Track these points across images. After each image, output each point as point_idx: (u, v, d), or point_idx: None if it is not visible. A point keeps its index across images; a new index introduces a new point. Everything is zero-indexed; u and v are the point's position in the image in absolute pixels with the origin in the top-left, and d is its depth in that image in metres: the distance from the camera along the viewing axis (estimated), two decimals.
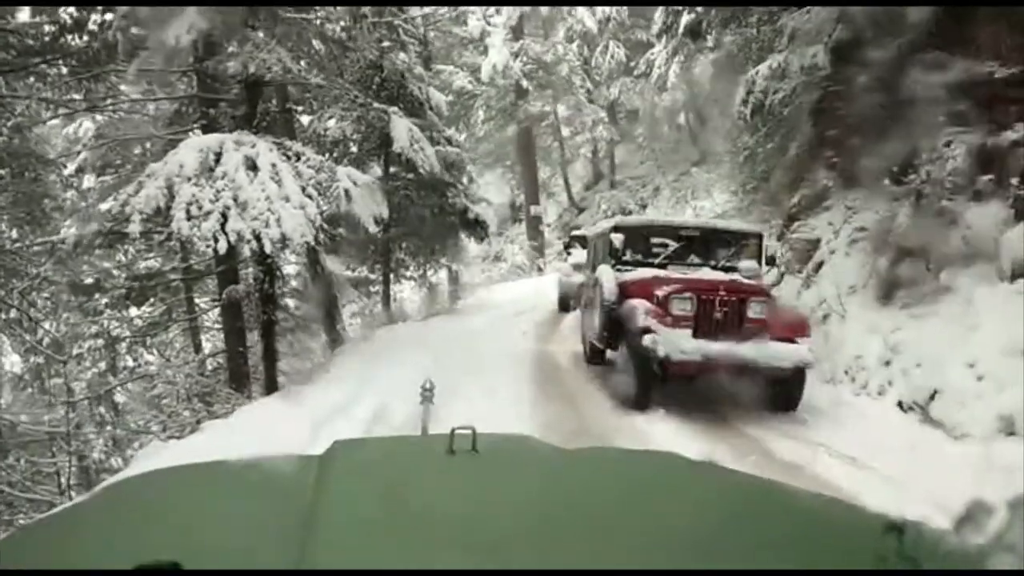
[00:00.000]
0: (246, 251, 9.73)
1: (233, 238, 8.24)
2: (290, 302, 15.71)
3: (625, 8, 27.92)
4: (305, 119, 15.44)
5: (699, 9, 14.91)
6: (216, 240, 8.15)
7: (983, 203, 6.81)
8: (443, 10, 23.45)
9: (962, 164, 6.92)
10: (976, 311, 6.24)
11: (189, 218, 8.26)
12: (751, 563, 1.01)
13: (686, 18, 16.28)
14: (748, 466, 4.72)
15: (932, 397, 6.14)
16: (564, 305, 15.76)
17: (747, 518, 1.26)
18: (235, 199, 8.34)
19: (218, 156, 8.80)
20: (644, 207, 27.38)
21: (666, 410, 6.90)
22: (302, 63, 11.87)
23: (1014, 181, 6.66)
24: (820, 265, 9.44)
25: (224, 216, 8.27)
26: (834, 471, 5.19)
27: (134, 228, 8.27)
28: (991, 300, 6.24)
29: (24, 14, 12.45)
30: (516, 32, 28.80)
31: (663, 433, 6.30)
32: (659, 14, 19.11)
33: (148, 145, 15.14)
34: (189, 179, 8.51)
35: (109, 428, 14.73)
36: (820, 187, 10.31)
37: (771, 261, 8.99)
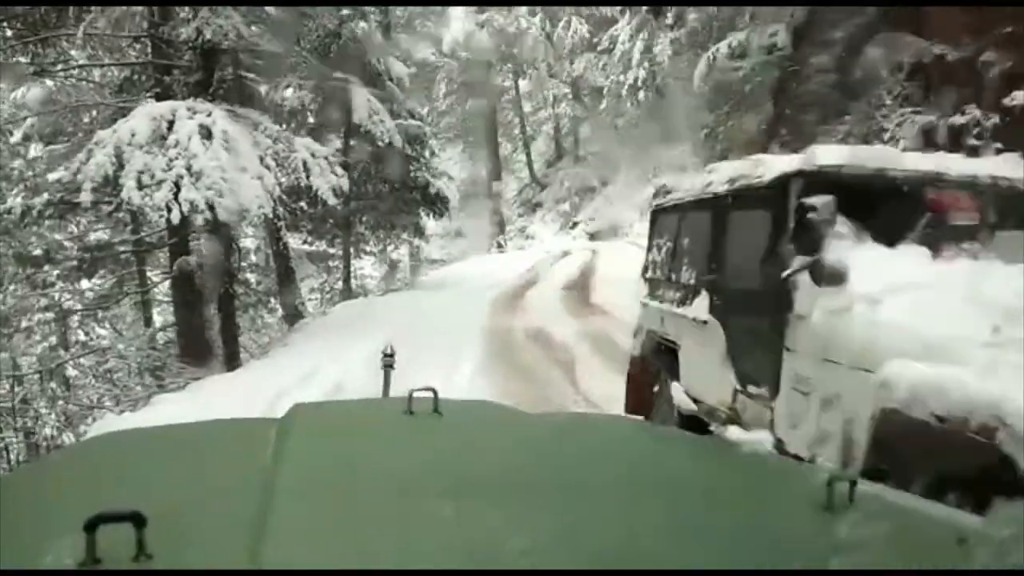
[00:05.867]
0: (200, 221, 9.55)
1: (187, 208, 8.07)
2: (250, 277, 15.48)
3: None
4: (262, 88, 15.13)
5: None
6: (169, 210, 7.97)
7: None
8: None
9: (913, 144, 7.06)
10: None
11: (141, 187, 8.07)
12: (705, 516, 1.04)
13: None
14: None
15: None
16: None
17: (701, 475, 1.29)
18: (189, 168, 8.16)
19: (171, 124, 8.59)
20: (605, 184, 27.42)
21: None
22: (258, 29, 11.61)
23: None
24: None
25: (177, 185, 8.09)
26: None
27: (85, 197, 8.05)
28: None
29: None
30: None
31: None
32: None
33: (95, 113, 14.65)
34: (141, 147, 8.30)
35: (61, 403, 14.41)
36: None
37: None
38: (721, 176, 4.14)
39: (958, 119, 6.80)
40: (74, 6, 10.78)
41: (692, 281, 4.39)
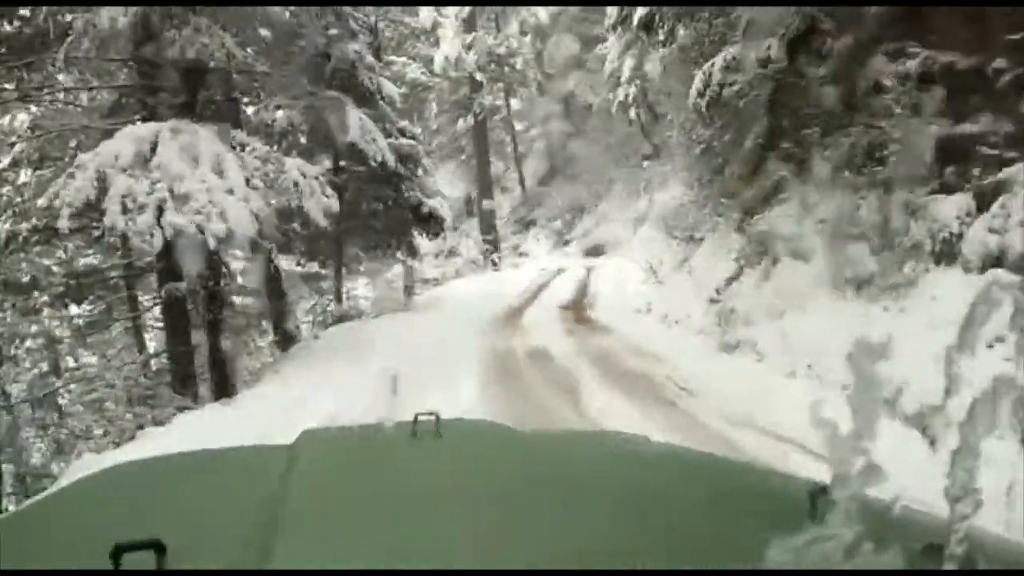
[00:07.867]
0: (186, 246, 9.28)
1: (170, 232, 7.80)
2: (239, 300, 15.23)
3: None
4: (251, 109, 14.93)
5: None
6: (151, 235, 7.71)
7: (947, 195, 6.78)
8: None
9: (925, 156, 6.89)
10: (941, 304, 6.19)
11: (124, 211, 7.80)
12: (699, 531, 1.04)
13: (640, 12, 16.17)
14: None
15: (899, 392, 6.07)
16: None
17: (696, 490, 1.30)
18: (172, 191, 7.90)
19: (154, 146, 8.34)
20: (598, 201, 27.38)
21: None
22: (247, 50, 11.41)
23: (976, 172, 6.65)
24: (775, 260, 9.39)
25: (160, 209, 7.82)
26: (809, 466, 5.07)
27: (63, 223, 7.80)
28: (956, 292, 6.20)
29: None
30: (469, 24, 28.49)
31: None
32: (612, 8, 18.96)
33: (83, 137, 14.45)
34: (124, 170, 8.04)
35: (52, 430, 14.14)
36: (776, 179, 10.27)
37: None
38: None
39: (970, 127, 6.64)
40: (60, 6, 10.57)
41: None
